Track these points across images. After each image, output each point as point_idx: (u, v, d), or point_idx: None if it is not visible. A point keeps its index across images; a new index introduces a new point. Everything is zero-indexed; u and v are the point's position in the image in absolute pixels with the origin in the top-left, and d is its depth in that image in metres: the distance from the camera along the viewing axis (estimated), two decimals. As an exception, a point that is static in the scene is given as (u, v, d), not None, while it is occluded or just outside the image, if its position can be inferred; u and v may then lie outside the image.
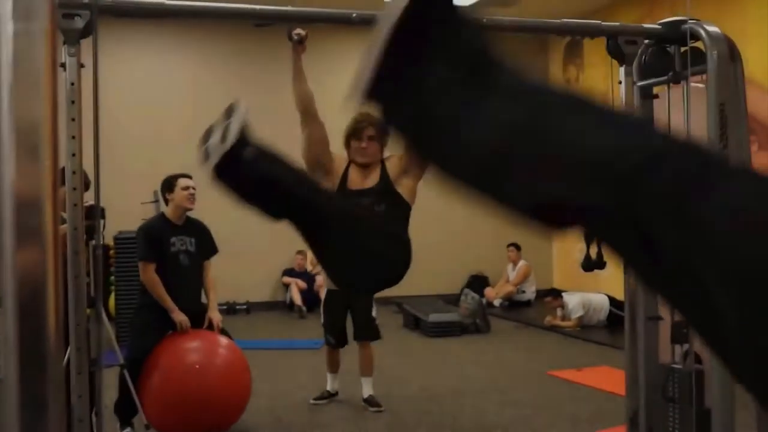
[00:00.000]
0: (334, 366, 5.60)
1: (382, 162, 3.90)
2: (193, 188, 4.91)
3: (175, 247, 4.89)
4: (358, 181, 3.83)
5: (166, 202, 5.03)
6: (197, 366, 4.66)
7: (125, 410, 4.63)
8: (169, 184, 4.98)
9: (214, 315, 4.94)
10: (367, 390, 5.45)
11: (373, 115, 3.96)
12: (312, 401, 5.52)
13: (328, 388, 5.62)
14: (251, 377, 4.95)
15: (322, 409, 5.41)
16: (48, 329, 1.18)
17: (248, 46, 10.30)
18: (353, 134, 3.86)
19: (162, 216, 5.07)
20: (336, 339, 5.45)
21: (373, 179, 3.83)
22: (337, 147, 3.89)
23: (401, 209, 3.82)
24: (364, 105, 1.00)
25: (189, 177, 4.97)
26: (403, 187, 3.83)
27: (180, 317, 4.74)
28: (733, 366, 0.83)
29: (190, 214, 5.06)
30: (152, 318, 4.79)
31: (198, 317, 4.88)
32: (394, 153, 3.91)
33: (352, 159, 3.87)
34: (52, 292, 1.19)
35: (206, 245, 5.12)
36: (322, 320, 5.54)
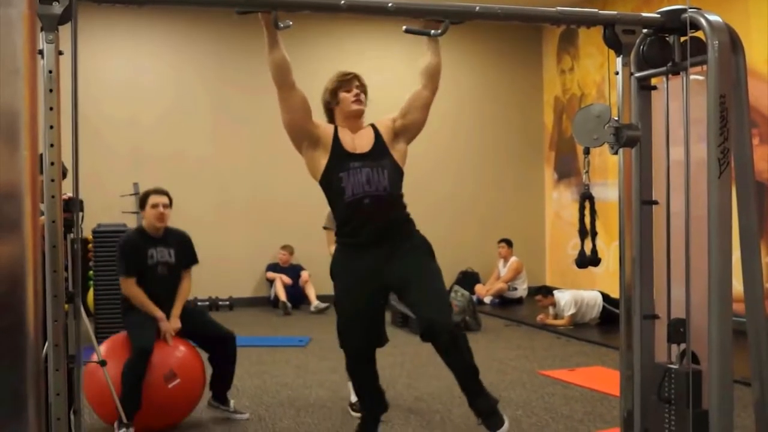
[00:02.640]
0: None
1: (373, 126, 3.88)
2: (164, 205, 4.96)
3: (152, 259, 4.93)
4: (352, 143, 3.81)
5: (143, 217, 5.09)
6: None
7: (127, 408, 4.50)
8: (142, 201, 5.05)
9: (174, 323, 4.88)
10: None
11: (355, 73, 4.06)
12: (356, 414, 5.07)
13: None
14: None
15: (307, 409, 5.30)
16: (26, 324, 1.12)
17: (229, 34, 10.20)
18: (341, 86, 3.88)
19: (139, 229, 5.11)
20: None
21: (367, 142, 3.83)
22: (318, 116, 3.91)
23: (399, 173, 3.86)
24: None
25: (161, 193, 5.01)
26: (396, 150, 3.85)
27: (165, 326, 4.79)
28: None
29: (174, 224, 5.12)
30: (142, 316, 4.82)
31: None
32: (384, 117, 3.91)
33: (344, 112, 3.85)
34: (31, 286, 1.12)
35: (186, 255, 5.13)
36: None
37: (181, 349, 4.84)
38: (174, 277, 4.99)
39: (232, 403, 5.06)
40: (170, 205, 5.02)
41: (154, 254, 4.92)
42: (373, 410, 4.30)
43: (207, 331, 5.04)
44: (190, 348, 4.93)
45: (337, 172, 3.77)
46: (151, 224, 4.96)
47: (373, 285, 3.85)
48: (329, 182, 3.82)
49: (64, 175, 3.33)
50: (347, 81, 3.87)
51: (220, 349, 5.00)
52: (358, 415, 5.13)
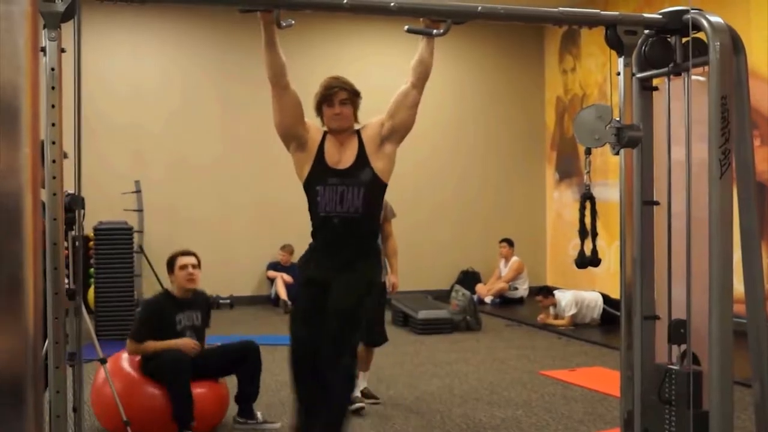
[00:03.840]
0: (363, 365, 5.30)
1: (358, 133, 3.88)
2: (192, 265, 4.85)
3: (180, 324, 4.83)
4: (335, 156, 3.82)
5: (171, 281, 4.96)
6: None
7: (181, 415, 4.51)
8: (169, 265, 4.90)
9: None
10: (361, 384, 5.29)
11: (343, 79, 4.05)
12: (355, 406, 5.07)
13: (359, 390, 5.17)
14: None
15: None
16: (26, 322, 1.12)
17: (232, 34, 10.16)
18: (324, 100, 3.88)
19: (167, 293, 5.00)
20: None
21: (350, 155, 3.83)
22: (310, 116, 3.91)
23: (377, 188, 3.87)
24: None
25: (189, 254, 4.89)
26: (381, 158, 3.84)
27: (186, 341, 4.73)
28: None
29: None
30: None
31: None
32: (372, 120, 3.89)
33: (327, 126, 3.87)
34: (30, 284, 1.12)
35: (208, 318, 5.08)
36: None
37: (200, 390, 4.71)
38: (199, 339, 4.89)
39: (259, 414, 4.94)
40: (198, 265, 4.91)
41: (182, 320, 4.82)
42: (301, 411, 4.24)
43: (227, 356, 4.93)
44: (212, 387, 4.83)
45: (315, 184, 3.83)
46: (181, 287, 4.84)
47: (321, 298, 3.89)
48: (308, 189, 3.89)
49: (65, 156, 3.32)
50: (330, 96, 3.85)
51: (244, 364, 4.88)
52: (370, 401, 5.09)
